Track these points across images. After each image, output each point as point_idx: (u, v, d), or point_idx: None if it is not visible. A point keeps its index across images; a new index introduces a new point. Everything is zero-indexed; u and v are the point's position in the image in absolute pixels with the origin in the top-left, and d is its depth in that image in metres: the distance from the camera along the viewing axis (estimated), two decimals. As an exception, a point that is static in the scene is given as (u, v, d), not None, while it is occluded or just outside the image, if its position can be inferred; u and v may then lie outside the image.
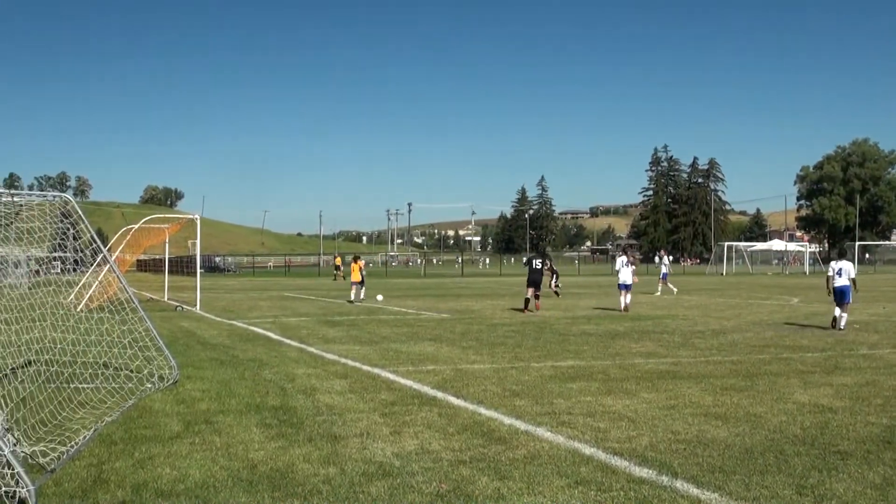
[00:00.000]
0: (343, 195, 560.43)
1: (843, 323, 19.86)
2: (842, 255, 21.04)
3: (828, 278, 20.69)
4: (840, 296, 19.93)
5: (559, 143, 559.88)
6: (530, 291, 26.76)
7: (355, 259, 35.08)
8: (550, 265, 30.60)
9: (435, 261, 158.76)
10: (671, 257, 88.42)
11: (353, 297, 33.03)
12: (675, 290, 39.64)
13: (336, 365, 13.67)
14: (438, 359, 14.46)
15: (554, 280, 36.89)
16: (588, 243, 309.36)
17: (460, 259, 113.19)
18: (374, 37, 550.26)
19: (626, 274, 27.89)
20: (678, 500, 6.43)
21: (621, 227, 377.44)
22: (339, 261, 69.58)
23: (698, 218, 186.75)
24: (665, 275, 40.06)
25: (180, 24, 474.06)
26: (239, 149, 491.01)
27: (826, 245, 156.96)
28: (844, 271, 20.15)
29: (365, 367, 13.29)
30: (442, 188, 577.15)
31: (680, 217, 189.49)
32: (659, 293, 37.84)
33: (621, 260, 28.88)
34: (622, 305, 26.81)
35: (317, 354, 15.17)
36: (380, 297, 34.25)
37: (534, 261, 27.51)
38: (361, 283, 33.59)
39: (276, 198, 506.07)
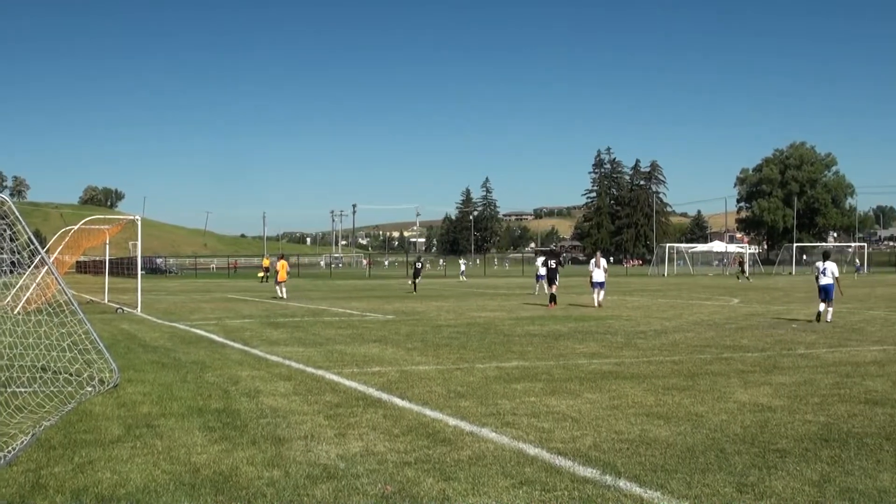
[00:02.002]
0: (287, 196, 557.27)
1: (829, 316, 22.27)
2: (826, 257, 23.15)
3: (815, 277, 22.98)
4: (825, 292, 22.36)
5: (503, 145, 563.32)
6: (550, 288, 31.11)
7: (282, 257, 40.13)
8: (557, 264, 32.42)
9: (386, 263, 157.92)
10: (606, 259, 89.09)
11: (282, 294, 37.12)
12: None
13: (280, 367, 13.59)
14: (383, 360, 14.46)
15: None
16: (532, 244, 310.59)
17: (407, 259, 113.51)
18: (318, 35, 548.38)
19: (599, 273, 30.33)
20: (621, 499, 6.48)
21: (565, 228, 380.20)
22: (266, 262, 69.26)
23: (641, 220, 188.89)
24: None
25: (119, 20, 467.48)
26: (181, 149, 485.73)
27: (765, 246, 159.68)
28: (829, 271, 22.61)
29: (309, 369, 13.23)
30: (386, 189, 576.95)
31: (623, 219, 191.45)
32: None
33: (593, 261, 31.47)
34: (596, 302, 29.97)
35: (260, 357, 15.08)
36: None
37: (549, 261, 32.31)
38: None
39: (218, 199, 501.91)
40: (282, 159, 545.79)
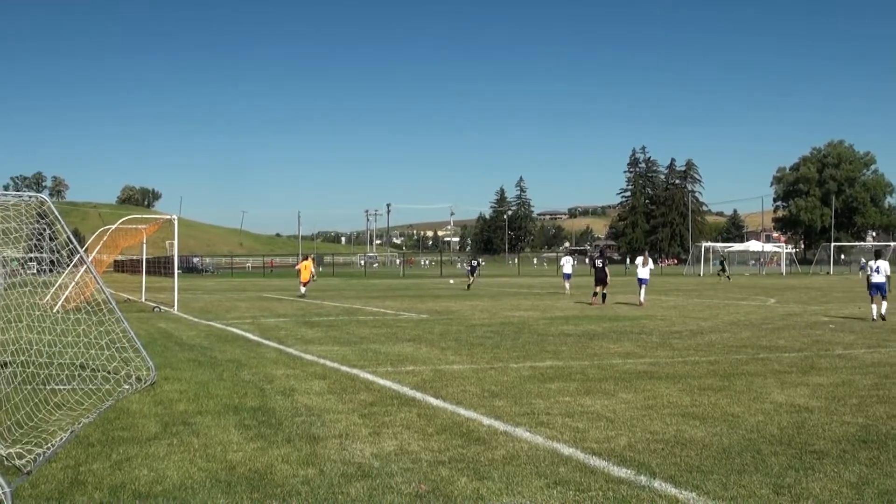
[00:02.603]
0: (322, 196, 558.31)
1: (883, 309, 23.06)
2: (878, 256, 24.15)
3: (868, 276, 23.90)
4: (878, 290, 23.35)
5: (538, 144, 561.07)
6: (599, 288, 31.48)
7: (305, 258, 41.02)
8: (605, 263, 32.40)
9: (425, 262, 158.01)
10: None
11: (302, 291, 38.64)
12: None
13: (315, 366, 13.62)
14: (417, 359, 14.44)
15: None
16: (566, 244, 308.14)
17: (441, 259, 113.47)
18: (352, 36, 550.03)
19: (644, 271, 31.55)
20: (656, 499, 6.45)
21: (599, 228, 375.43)
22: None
23: (676, 219, 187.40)
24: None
25: (157, 22, 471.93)
26: (217, 149, 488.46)
27: (802, 246, 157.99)
28: (882, 269, 23.57)
29: (344, 368, 13.24)
30: (421, 189, 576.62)
31: (658, 218, 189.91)
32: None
33: (640, 259, 32.59)
34: (641, 299, 30.83)
35: (295, 355, 15.11)
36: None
37: (597, 261, 32.32)
38: (313, 279, 39.79)
39: (254, 198, 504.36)
40: (317, 158, 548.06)
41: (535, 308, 28.92)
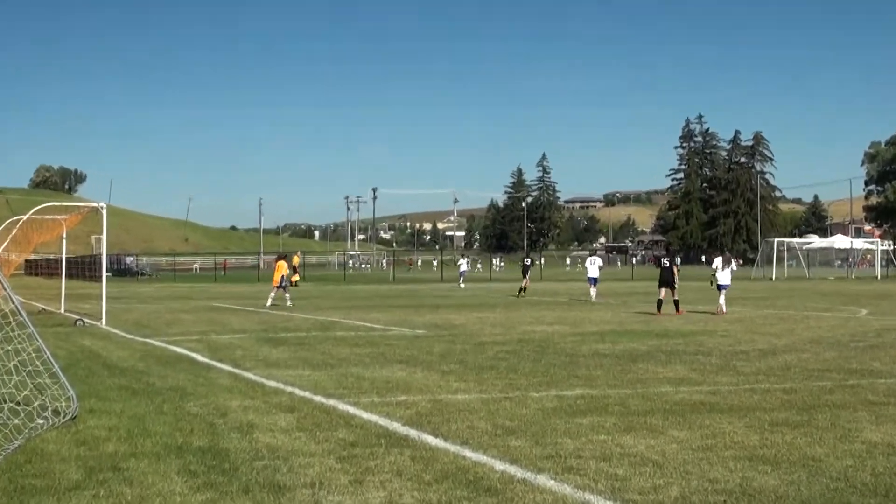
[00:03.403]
0: (289, 179, 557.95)
1: None
2: None
3: None
4: None
5: (564, 115, 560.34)
6: (662, 292, 32.21)
7: (282, 256, 42.00)
8: (673, 262, 33.12)
9: (420, 262, 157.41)
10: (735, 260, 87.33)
11: (268, 303, 38.25)
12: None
13: (280, 395, 13.60)
14: (412, 387, 14.44)
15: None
16: (602, 239, 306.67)
17: (442, 259, 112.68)
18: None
19: (725, 275, 32.71)
20: (717, 566, 6.40)
21: (643, 218, 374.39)
22: (296, 259, 69.94)
23: (741, 207, 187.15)
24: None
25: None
26: (156, 122, 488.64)
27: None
28: None
29: (318, 398, 13.24)
30: (416, 170, 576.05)
31: (718, 206, 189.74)
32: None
33: (718, 260, 33.65)
34: (719, 308, 31.82)
35: (256, 381, 15.12)
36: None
37: (662, 259, 33.50)
38: (282, 286, 39.26)
39: (203, 183, 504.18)
40: (283, 135, 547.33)
41: (561, 321, 28.99)
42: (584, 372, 16.22)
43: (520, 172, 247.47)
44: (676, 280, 32.27)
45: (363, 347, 20.72)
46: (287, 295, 39.23)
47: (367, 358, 18.54)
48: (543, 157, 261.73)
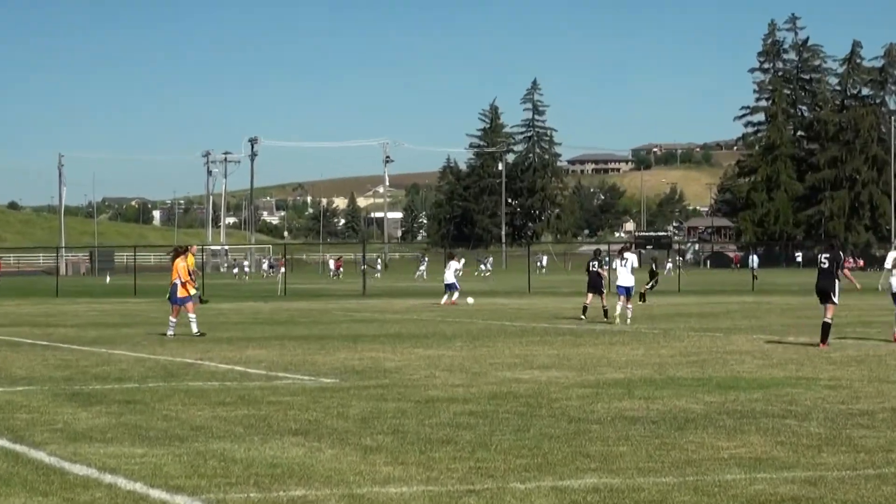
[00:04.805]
0: (108, 133, 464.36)
1: None
2: None
3: None
4: None
5: (566, 21, 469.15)
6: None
7: (180, 252, 30.05)
8: (839, 263, 25.55)
9: (333, 262, 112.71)
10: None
11: (195, 329, 28.52)
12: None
13: (94, 489, 9.82)
14: (314, 474, 10.42)
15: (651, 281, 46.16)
16: (629, 224, 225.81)
17: (364, 257, 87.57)
18: None
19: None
20: None
21: (697, 189, 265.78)
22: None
23: (863, 171, 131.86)
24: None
25: None
26: None
27: None
28: None
29: (154, 494, 9.65)
30: (320, 111, 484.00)
31: (823, 169, 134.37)
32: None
33: (893, 255, 26.05)
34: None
35: (51, 466, 11.26)
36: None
37: (820, 256, 25.96)
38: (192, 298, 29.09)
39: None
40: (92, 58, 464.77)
41: (562, 362, 22.55)
42: (601, 448, 11.92)
43: (494, 113, 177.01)
44: (836, 294, 24.91)
45: (233, 407, 15.74)
46: (192, 316, 29.66)
47: (239, 425, 13.89)
48: (534, 86, 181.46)
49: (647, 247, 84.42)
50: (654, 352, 24.50)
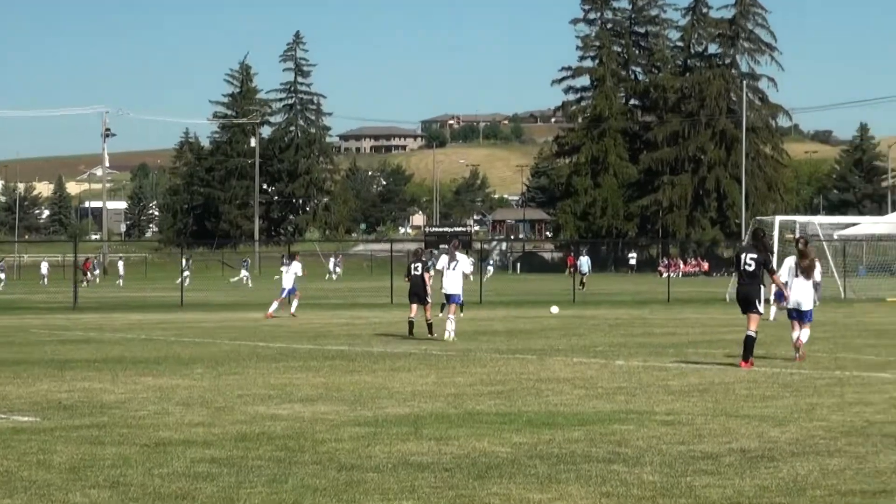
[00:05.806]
0: None
1: None
2: None
3: None
4: None
5: None
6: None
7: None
8: (767, 265, 21.99)
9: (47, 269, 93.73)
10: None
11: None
12: None
13: None
14: None
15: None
16: (418, 217, 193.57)
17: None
18: None
19: (807, 293, 22.37)
20: None
21: (503, 171, 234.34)
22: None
23: (710, 150, 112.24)
24: None
25: None
26: None
27: None
28: None
29: None
30: (22, 75, 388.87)
31: (661, 147, 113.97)
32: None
33: (790, 260, 22.94)
34: (795, 344, 21.96)
35: None
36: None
37: (744, 256, 21.70)
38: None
39: None
40: None
41: (331, 394, 17.82)
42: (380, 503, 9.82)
43: (246, 74, 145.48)
44: (761, 303, 21.70)
45: None
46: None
47: None
48: (297, 39, 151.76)
49: (441, 246, 59.34)
50: (448, 380, 20.21)
